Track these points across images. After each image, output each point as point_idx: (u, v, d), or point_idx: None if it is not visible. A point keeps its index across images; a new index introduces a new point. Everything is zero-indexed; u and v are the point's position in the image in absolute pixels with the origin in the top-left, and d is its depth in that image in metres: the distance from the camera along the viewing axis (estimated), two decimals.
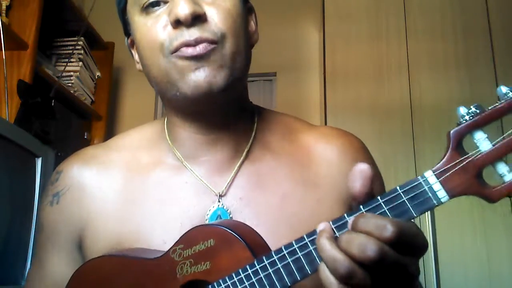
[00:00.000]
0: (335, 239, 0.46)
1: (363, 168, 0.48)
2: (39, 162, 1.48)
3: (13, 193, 1.36)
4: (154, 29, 0.63)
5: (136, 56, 0.73)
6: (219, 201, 0.67)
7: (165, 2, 0.64)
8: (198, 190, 0.69)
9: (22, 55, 1.81)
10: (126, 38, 0.75)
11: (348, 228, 0.47)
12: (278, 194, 0.68)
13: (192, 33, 0.61)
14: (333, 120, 2.23)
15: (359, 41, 2.32)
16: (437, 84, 2.21)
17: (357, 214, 0.47)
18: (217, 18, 0.62)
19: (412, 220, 0.48)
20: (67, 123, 2.21)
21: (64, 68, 2.18)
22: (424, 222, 1.99)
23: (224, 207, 0.67)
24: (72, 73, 2.26)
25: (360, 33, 2.33)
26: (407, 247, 0.45)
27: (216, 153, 0.70)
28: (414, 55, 2.26)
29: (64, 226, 0.72)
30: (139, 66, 0.72)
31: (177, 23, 0.61)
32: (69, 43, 2.29)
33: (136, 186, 0.71)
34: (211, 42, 0.61)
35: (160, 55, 0.63)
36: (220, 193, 0.68)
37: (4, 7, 1.81)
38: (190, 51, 0.61)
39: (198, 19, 0.61)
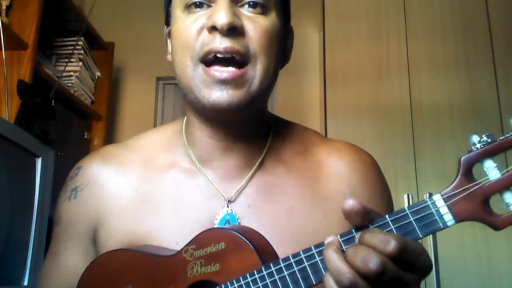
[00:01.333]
0: (342, 252, 0.48)
1: (350, 204, 0.49)
2: (39, 162, 1.48)
3: (13, 193, 1.36)
4: (191, 29, 0.64)
5: (169, 47, 0.74)
6: (228, 206, 0.68)
7: (209, 6, 0.64)
8: (209, 194, 0.70)
9: (22, 55, 1.81)
10: (165, 27, 0.76)
11: (355, 242, 0.49)
12: (286, 206, 0.69)
13: (223, 42, 0.61)
14: (333, 120, 2.23)
15: (359, 41, 2.32)
16: (437, 84, 2.21)
17: (365, 229, 0.49)
18: (253, 35, 0.63)
19: (420, 241, 0.50)
20: (67, 123, 2.21)
21: (64, 68, 2.17)
22: None
23: (233, 213, 0.68)
24: (72, 73, 2.26)
25: (360, 33, 2.33)
26: (409, 264, 0.46)
27: (229, 159, 0.71)
28: (414, 55, 2.26)
29: (80, 220, 0.74)
30: (169, 57, 0.73)
31: (213, 29, 0.62)
32: (69, 43, 2.29)
33: (151, 186, 0.72)
34: (241, 58, 0.62)
35: (189, 58, 0.64)
36: (230, 198, 0.69)
37: (4, 7, 1.81)
38: (217, 75, 0.61)
39: (234, 30, 0.62)
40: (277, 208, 0.69)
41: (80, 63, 2.32)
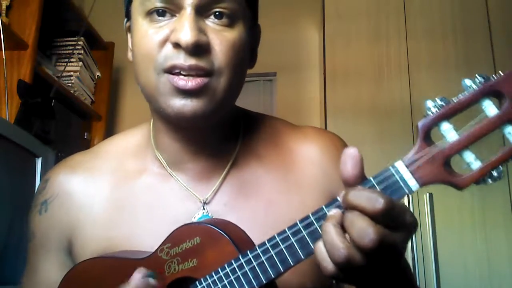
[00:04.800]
0: (340, 227, 0.48)
1: (352, 151, 0.49)
2: (39, 162, 1.48)
3: (13, 193, 1.36)
4: (153, 40, 0.61)
5: (130, 43, 0.70)
6: (204, 208, 0.68)
7: (172, 15, 0.61)
8: (183, 197, 0.69)
9: (22, 55, 1.81)
10: (125, 20, 0.72)
11: (339, 201, 0.49)
12: (263, 200, 0.69)
13: (188, 60, 0.59)
14: (333, 120, 2.23)
15: (359, 41, 2.32)
16: (437, 84, 2.21)
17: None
18: (219, 50, 0.60)
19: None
20: (67, 123, 2.21)
21: (64, 68, 2.17)
22: (424, 222, 1.99)
23: (209, 214, 0.68)
24: (72, 73, 2.26)
25: (360, 33, 2.33)
26: (398, 221, 0.47)
27: (200, 161, 0.70)
28: (414, 55, 2.26)
29: (54, 233, 0.72)
30: (130, 55, 0.70)
31: (177, 46, 0.59)
32: (69, 43, 2.29)
33: (123, 192, 0.71)
34: (205, 72, 0.60)
35: (151, 68, 0.61)
36: (205, 200, 0.68)
37: (4, 7, 1.81)
38: (182, 83, 0.59)
39: (200, 48, 0.59)
40: (254, 203, 0.68)
41: (80, 63, 2.32)
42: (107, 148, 0.77)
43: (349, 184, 0.49)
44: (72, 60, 2.25)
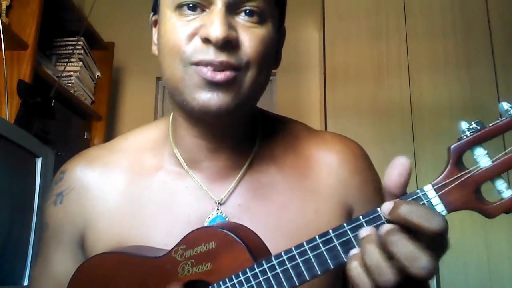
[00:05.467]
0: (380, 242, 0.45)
1: (402, 160, 0.47)
2: (39, 162, 1.48)
3: (13, 193, 1.36)
4: (181, 33, 0.61)
5: (154, 38, 0.70)
6: (218, 209, 0.68)
7: (202, 10, 0.61)
8: (199, 196, 0.69)
9: (22, 55, 1.81)
10: (151, 14, 0.72)
11: (383, 213, 0.46)
12: (277, 204, 0.68)
13: (219, 56, 0.59)
14: (333, 120, 2.23)
15: (359, 41, 2.32)
16: (437, 84, 2.21)
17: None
18: (248, 46, 0.60)
19: None
20: (67, 123, 2.21)
21: (64, 68, 2.17)
22: None
23: (223, 215, 0.67)
24: (72, 73, 2.26)
25: (360, 33, 2.33)
26: (443, 243, 0.46)
27: (218, 160, 0.69)
28: (414, 55, 2.26)
29: (67, 225, 0.73)
30: (154, 49, 0.69)
31: (207, 41, 0.59)
32: (69, 43, 2.29)
33: (139, 188, 0.71)
34: (234, 67, 0.60)
35: (178, 60, 0.61)
36: (220, 201, 0.68)
37: (4, 7, 1.81)
38: (210, 75, 0.59)
39: (229, 43, 0.59)
40: (268, 206, 0.68)
41: (80, 63, 2.32)
42: (125, 143, 0.77)
43: (390, 193, 0.47)
44: (72, 60, 2.25)
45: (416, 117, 2.18)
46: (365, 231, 0.47)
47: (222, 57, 0.59)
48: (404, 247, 0.43)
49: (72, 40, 2.28)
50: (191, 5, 0.61)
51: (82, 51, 2.33)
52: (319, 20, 2.60)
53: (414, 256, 0.42)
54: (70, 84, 2.25)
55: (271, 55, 0.66)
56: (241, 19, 0.61)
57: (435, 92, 2.20)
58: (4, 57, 1.73)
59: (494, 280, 1.95)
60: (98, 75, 2.53)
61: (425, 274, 0.42)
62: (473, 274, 1.97)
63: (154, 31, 0.70)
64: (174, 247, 0.58)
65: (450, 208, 0.47)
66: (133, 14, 2.79)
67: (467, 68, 2.20)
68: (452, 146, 0.48)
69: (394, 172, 0.47)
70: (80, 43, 2.31)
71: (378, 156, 0.80)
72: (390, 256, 0.44)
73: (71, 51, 2.26)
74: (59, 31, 2.30)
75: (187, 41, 0.60)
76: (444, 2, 2.30)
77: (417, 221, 0.43)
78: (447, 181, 0.47)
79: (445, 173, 0.48)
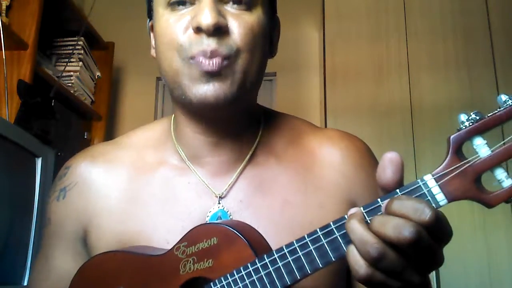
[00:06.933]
0: (366, 223, 0.46)
1: (392, 156, 0.48)
2: (39, 162, 1.48)
3: (13, 193, 1.36)
4: (176, 28, 0.63)
5: (153, 42, 0.73)
6: (219, 203, 0.68)
7: (192, 3, 0.63)
8: (200, 191, 0.69)
9: (22, 55, 1.81)
10: (148, 20, 0.74)
11: (381, 212, 0.47)
12: (279, 199, 0.68)
13: (210, 43, 0.61)
14: (333, 120, 2.23)
15: (359, 41, 2.32)
16: (437, 84, 2.21)
17: (390, 198, 0.47)
18: (238, 32, 0.62)
19: None
20: (67, 123, 2.21)
21: (64, 68, 2.17)
22: None
23: (225, 209, 0.67)
24: (72, 73, 2.26)
25: (360, 33, 2.33)
26: (439, 232, 0.45)
27: (219, 155, 0.70)
28: (414, 55, 2.26)
29: (70, 221, 0.73)
30: (153, 52, 0.72)
31: (199, 30, 0.61)
32: (69, 43, 2.29)
33: (141, 185, 0.72)
34: (225, 57, 0.61)
35: (176, 55, 0.63)
36: (221, 195, 0.68)
37: (4, 7, 1.81)
38: (205, 63, 0.61)
39: (219, 30, 0.61)
40: (271, 201, 0.68)
41: (80, 63, 2.32)
42: (129, 140, 0.78)
43: (388, 191, 0.48)
44: (72, 60, 2.25)
45: (416, 117, 2.18)
46: (351, 210, 0.48)
47: (213, 45, 0.61)
48: (390, 220, 0.44)
49: (72, 40, 2.28)
50: (180, 1, 0.64)
51: (82, 51, 2.33)
52: (319, 20, 2.60)
53: (399, 225, 0.43)
54: (70, 84, 2.25)
55: (263, 42, 0.66)
56: (230, 7, 0.63)
57: (435, 92, 2.20)
58: (4, 57, 1.73)
59: (494, 280, 1.95)
60: (98, 75, 2.53)
61: (411, 237, 0.43)
62: (473, 274, 1.97)
63: (152, 36, 0.73)
64: (176, 244, 0.59)
65: (451, 197, 0.47)
66: (133, 14, 2.79)
67: (467, 68, 2.20)
68: (452, 136, 0.48)
69: (387, 171, 0.48)
70: (80, 43, 2.31)
71: (378, 156, 0.79)
72: (376, 233, 0.45)
73: (71, 51, 2.26)
74: (59, 31, 2.30)
75: (182, 34, 0.63)
76: (444, 2, 2.30)
77: (408, 214, 0.44)
78: (447, 170, 0.47)
79: (445, 162, 0.48)
